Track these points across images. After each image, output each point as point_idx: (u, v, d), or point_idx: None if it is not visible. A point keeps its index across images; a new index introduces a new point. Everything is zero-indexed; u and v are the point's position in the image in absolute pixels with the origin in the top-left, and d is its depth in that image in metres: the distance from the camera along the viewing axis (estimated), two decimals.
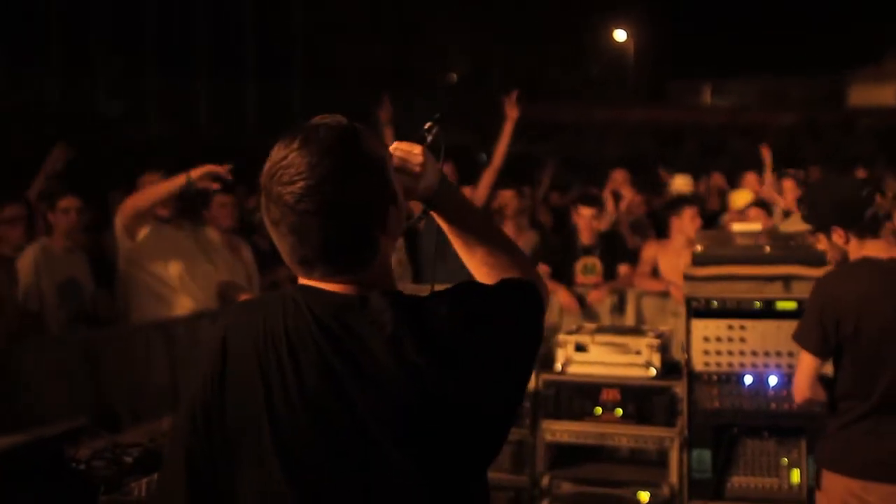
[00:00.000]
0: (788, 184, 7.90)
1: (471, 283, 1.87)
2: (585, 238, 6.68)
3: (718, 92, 29.61)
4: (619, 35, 28.30)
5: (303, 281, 1.77)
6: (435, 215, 1.98)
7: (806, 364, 3.60)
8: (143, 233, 5.30)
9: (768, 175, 7.55)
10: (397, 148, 1.91)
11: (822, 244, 3.80)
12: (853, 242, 3.55)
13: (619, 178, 8.48)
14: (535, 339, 1.90)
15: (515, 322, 1.82)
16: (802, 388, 3.59)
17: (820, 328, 3.50)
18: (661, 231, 7.22)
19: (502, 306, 1.82)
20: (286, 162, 1.69)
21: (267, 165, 1.72)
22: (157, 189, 5.12)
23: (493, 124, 7.31)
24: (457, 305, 1.75)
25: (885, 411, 3.44)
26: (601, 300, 6.27)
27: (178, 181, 4.94)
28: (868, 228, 3.51)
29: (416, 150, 1.92)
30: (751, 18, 27.91)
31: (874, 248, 3.52)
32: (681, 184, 9.56)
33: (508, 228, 6.94)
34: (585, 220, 6.65)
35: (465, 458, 1.74)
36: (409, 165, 1.90)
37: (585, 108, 23.38)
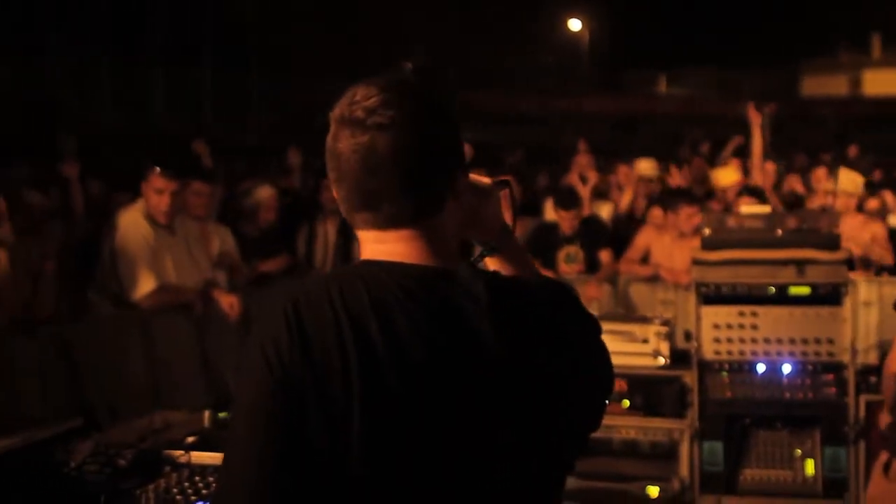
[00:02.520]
0: (770, 167, 7.78)
1: (566, 286, 1.73)
2: (566, 227, 6.55)
3: (673, 82, 29.64)
4: (574, 24, 28.20)
5: (367, 255, 1.58)
6: (489, 261, 1.84)
7: None
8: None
9: (756, 161, 7.40)
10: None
11: None
12: None
13: (582, 161, 8.33)
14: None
15: (600, 350, 1.72)
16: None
17: None
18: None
19: (595, 328, 1.71)
20: (361, 88, 1.56)
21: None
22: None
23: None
24: (557, 298, 1.65)
25: None
26: (597, 296, 6.11)
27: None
28: None
29: (486, 178, 1.82)
30: (705, 9, 27.99)
31: None
32: (645, 167, 9.38)
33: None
34: (565, 220, 6.54)
35: (549, 455, 1.60)
36: (478, 182, 1.78)
37: (542, 98, 23.24)
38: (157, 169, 5.19)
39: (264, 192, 6.49)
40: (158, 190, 5.25)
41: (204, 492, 2.52)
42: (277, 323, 1.50)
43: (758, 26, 27.33)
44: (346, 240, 7.30)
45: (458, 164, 1.62)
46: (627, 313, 5.72)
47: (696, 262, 4.62)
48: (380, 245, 1.58)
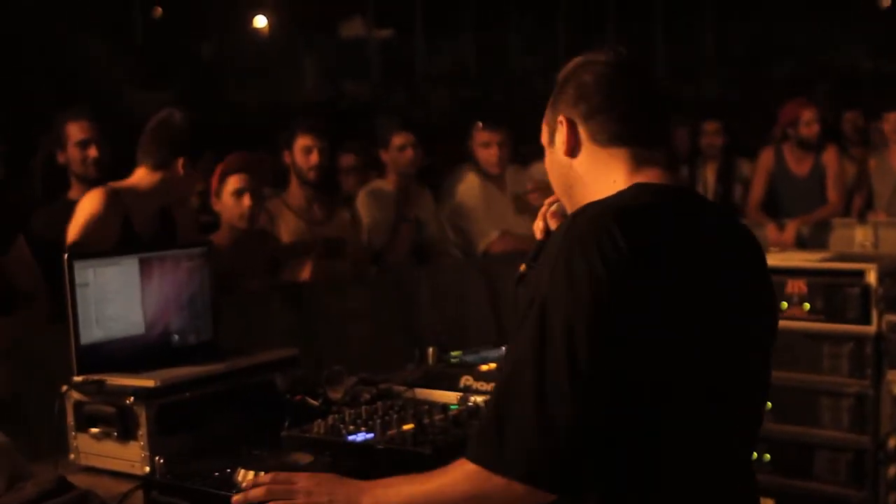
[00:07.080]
0: None
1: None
2: None
3: None
4: None
5: (630, 183, 1.74)
6: None
7: None
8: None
9: None
10: None
11: None
12: None
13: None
14: None
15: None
16: None
17: None
18: None
19: None
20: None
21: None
22: None
23: None
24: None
25: None
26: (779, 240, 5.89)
27: None
28: None
29: None
30: None
31: None
32: None
33: None
34: None
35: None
36: None
37: None
38: (480, 124, 5.40)
39: None
40: (485, 143, 5.46)
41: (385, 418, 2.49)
42: (597, 230, 1.57)
43: None
44: (727, 186, 6.98)
45: None
46: None
47: None
48: (641, 173, 1.74)
